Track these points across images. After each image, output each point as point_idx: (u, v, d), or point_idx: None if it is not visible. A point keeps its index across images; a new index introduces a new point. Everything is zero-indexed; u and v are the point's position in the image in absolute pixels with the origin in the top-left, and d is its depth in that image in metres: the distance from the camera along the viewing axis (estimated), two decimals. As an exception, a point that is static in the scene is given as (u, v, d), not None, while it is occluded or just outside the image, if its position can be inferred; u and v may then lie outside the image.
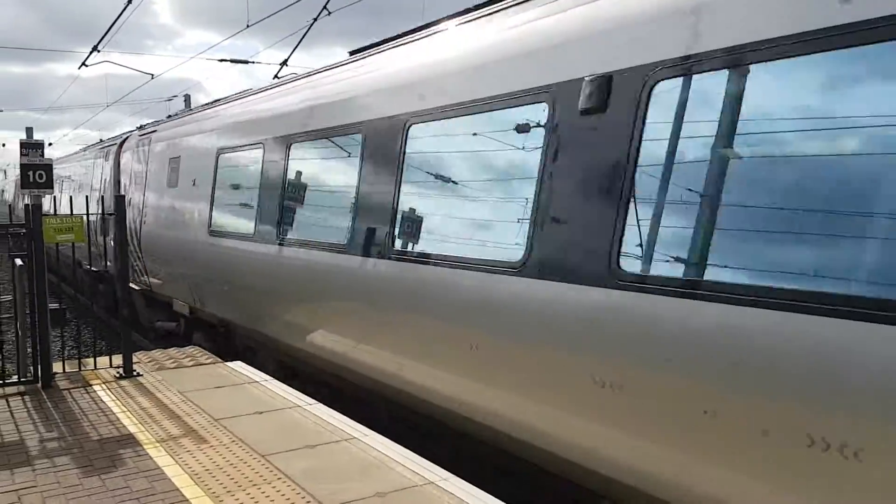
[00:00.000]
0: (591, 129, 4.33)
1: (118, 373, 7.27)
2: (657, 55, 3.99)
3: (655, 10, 4.08)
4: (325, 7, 16.12)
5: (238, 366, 7.62)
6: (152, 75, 17.78)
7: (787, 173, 3.40)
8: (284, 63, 17.25)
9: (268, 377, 7.13)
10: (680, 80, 3.88)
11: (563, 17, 4.78)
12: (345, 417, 5.85)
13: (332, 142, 7.12)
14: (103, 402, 6.40)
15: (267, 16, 12.91)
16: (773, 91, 3.54)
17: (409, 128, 5.95)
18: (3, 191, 61.66)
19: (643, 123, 4.02)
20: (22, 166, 7.21)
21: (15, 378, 7.02)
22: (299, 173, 7.74)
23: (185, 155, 11.35)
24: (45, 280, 6.87)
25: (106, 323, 16.04)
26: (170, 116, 15.39)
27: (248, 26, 13.54)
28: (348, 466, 4.81)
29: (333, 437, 5.36)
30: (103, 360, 7.64)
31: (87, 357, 8.32)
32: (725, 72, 3.68)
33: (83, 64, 15.48)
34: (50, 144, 47.21)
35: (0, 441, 5.37)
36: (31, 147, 9.72)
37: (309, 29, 16.85)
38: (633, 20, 4.20)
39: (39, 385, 6.86)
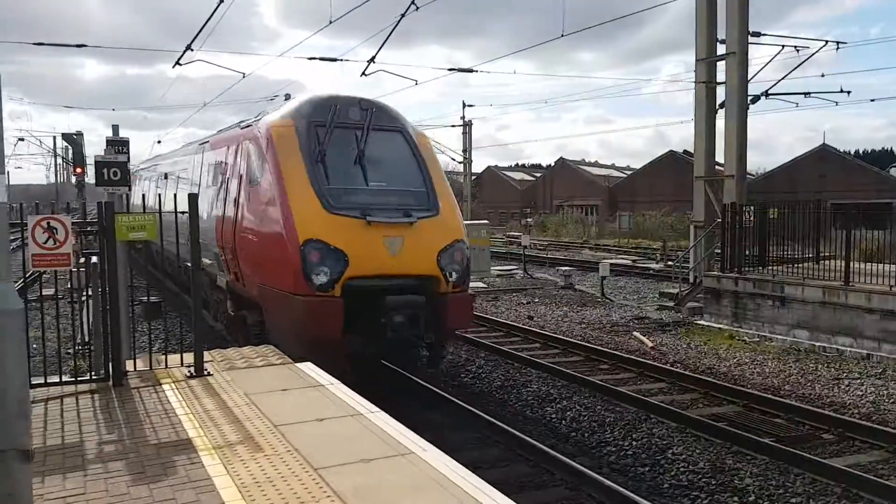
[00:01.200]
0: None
1: (189, 372, 7.22)
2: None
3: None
4: (412, 3, 15.88)
5: (307, 367, 7.44)
6: (243, 74, 18.08)
7: None
8: (371, 60, 17.17)
9: (334, 380, 6.91)
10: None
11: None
12: (405, 428, 5.53)
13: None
14: (169, 402, 6.33)
15: (349, 10, 12.75)
16: None
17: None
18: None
19: None
20: (96, 163, 7.25)
21: (89, 376, 7.07)
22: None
23: None
24: (116, 277, 6.88)
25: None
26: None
27: (330, 23, 13.47)
28: (402, 485, 4.47)
29: (390, 451, 5.04)
30: (177, 359, 7.63)
31: (175, 353, 8.30)
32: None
33: (177, 63, 15.85)
34: (159, 142, 49.57)
35: (61, 442, 5.34)
36: (116, 144, 9.92)
37: (396, 25, 16.65)
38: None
39: (111, 383, 6.88)
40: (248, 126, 11.14)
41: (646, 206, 53.90)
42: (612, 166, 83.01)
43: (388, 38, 16.29)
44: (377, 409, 6.03)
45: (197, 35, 15.82)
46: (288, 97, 23.31)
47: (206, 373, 7.22)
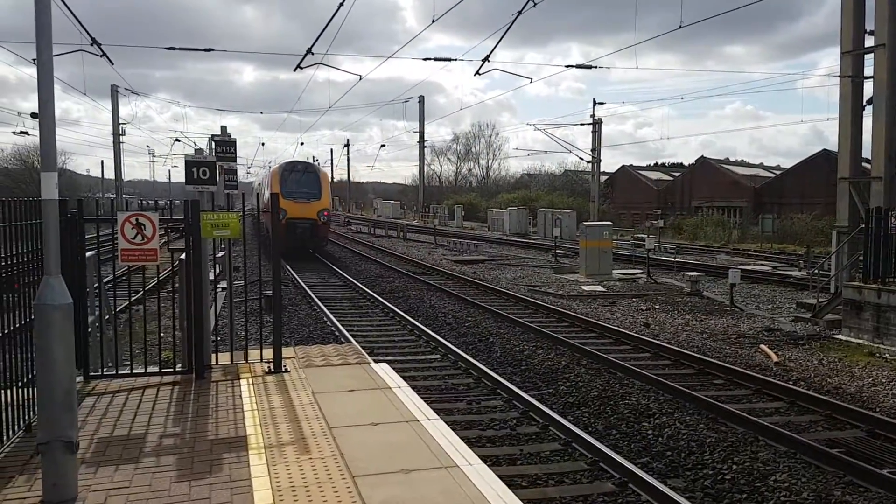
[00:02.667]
0: None
1: (268, 367, 7.34)
2: None
3: None
4: (530, -2, 15.54)
5: (381, 368, 7.37)
6: (360, 76, 18.47)
7: None
8: (486, 59, 17.00)
9: (403, 383, 6.80)
10: None
11: None
12: (457, 439, 5.30)
13: None
14: (240, 398, 6.44)
15: (451, 7, 12.62)
16: None
17: None
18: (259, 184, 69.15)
19: None
20: (186, 163, 7.52)
21: (178, 368, 7.34)
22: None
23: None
24: (201, 273, 7.09)
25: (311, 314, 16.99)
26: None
27: (433, 21, 13.40)
28: (436, 501, 4.25)
29: (434, 463, 4.83)
30: (265, 354, 7.78)
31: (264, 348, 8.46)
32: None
33: (298, 66, 16.38)
34: (302, 144, 52.48)
35: (127, 433, 5.54)
36: (223, 144, 10.31)
37: (511, 24, 16.38)
38: None
39: (193, 376, 7.10)
40: (271, 167, 37.81)
41: (794, 208, 50.30)
42: (760, 166, 78.28)
43: (502, 37, 16.09)
44: (435, 416, 5.84)
45: (317, 39, 16.35)
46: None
47: (284, 369, 7.31)
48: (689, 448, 8.18)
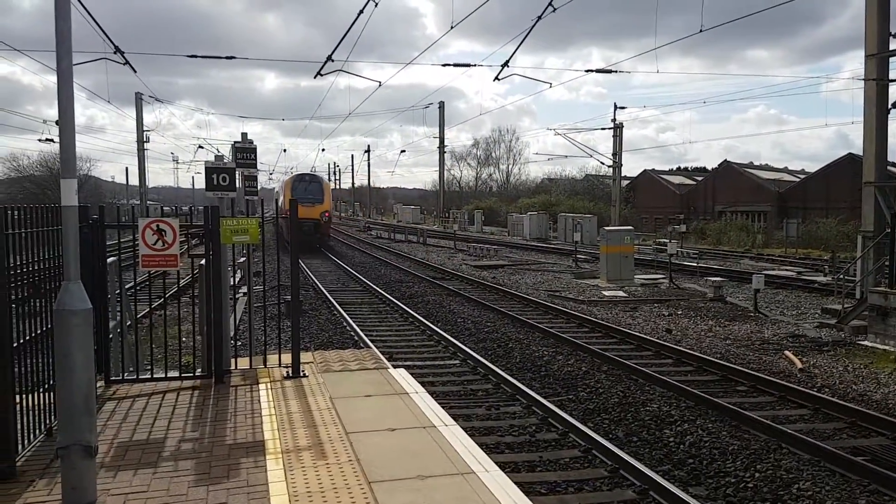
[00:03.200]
0: None
1: (286, 372, 7.36)
2: None
3: None
4: (550, 4, 15.52)
5: (399, 374, 7.36)
6: (380, 83, 18.54)
7: None
8: (505, 65, 16.99)
9: (421, 389, 6.78)
10: None
11: None
12: (473, 445, 5.27)
13: None
14: (258, 402, 6.46)
15: (470, 13, 12.61)
16: None
17: None
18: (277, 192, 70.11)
19: None
20: (206, 169, 7.57)
21: (197, 372, 7.38)
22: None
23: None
24: (220, 278, 7.13)
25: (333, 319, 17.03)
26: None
27: (451, 28, 13.40)
28: (451, 508, 4.22)
29: (450, 469, 4.81)
30: (283, 359, 7.80)
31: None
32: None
33: (318, 73, 16.48)
34: (323, 150, 53.31)
35: (146, 438, 5.57)
36: (244, 151, 10.37)
37: (531, 29, 16.37)
38: None
39: (213, 381, 7.13)
40: (286, 178, 46.74)
41: (819, 213, 49.68)
42: (784, 170, 77.39)
43: (521, 42, 16.09)
44: (453, 422, 5.81)
45: (337, 46, 16.36)
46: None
47: (302, 374, 7.32)
48: (711, 456, 8.08)
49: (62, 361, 4.34)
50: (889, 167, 17.95)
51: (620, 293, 21.77)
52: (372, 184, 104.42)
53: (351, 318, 16.38)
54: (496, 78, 16.31)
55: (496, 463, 5.84)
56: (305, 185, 38.39)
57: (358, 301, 19.91)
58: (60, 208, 4.40)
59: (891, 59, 17.05)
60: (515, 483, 5.55)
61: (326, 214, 38.35)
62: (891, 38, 16.85)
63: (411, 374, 7.86)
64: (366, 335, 14.29)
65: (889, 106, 17.03)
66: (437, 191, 71.84)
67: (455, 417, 8.27)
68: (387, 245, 44.00)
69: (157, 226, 6.78)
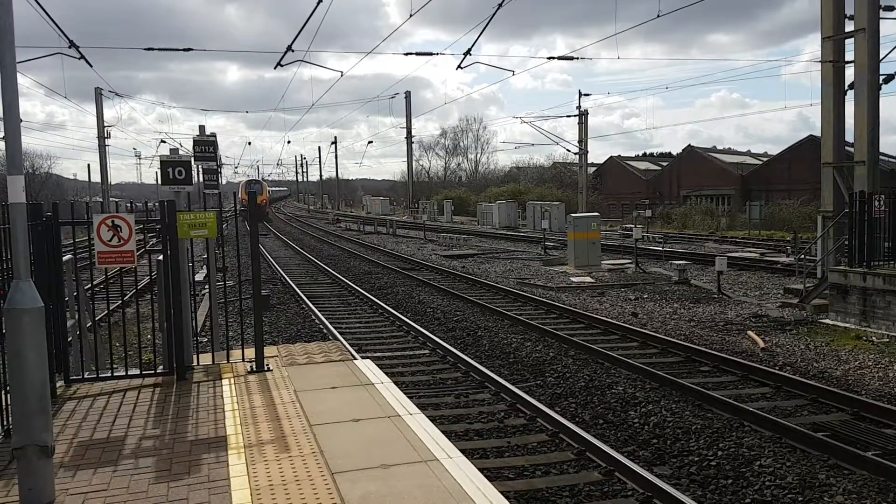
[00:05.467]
0: None
1: (250, 367, 7.31)
2: None
3: None
4: (511, -13, 15.45)
5: (365, 365, 7.35)
6: (342, 73, 18.41)
7: None
8: (467, 53, 16.96)
9: (386, 379, 6.78)
10: None
11: None
12: (438, 433, 5.29)
13: None
14: (221, 398, 6.41)
15: (427, 1, 12.57)
16: None
17: None
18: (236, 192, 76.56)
19: None
20: (161, 163, 7.46)
21: (159, 369, 7.29)
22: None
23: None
24: (179, 273, 7.05)
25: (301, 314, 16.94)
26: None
27: (410, 16, 13.36)
28: (412, 496, 4.24)
29: (414, 457, 4.82)
30: (241, 353, 7.75)
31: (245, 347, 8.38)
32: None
33: (279, 64, 16.30)
34: (289, 142, 55.07)
35: (106, 436, 5.50)
36: (203, 144, 10.24)
37: (492, 16, 16.34)
38: None
39: (174, 377, 7.06)
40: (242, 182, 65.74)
41: (783, 195, 50.51)
42: (748, 153, 78.56)
43: (483, 30, 16.05)
44: (418, 411, 5.83)
45: (297, 36, 16.21)
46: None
47: (266, 368, 7.28)
48: (674, 435, 8.20)
49: (14, 361, 4.26)
50: (847, 148, 18.29)
51: (588, 279, 21.96)
52: (340, 175, 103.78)
53: (320, 311, 16.31)
54: (459, 66, 16.29)
55: (465, 450, 5.89)
56: (252, 185, 59.00)
57: (327, 294, 19.83)
58: (7, 206, 4.31)
59: (846, 42, 17.32)
60: (484, 469, 5.60)
61: (265, 202, 63.80)
62: (846, 20, 17.12)
63: (380, 365, 7.87)
64: (335, 328, 14.24)
65: (846, 88, 17.33)
66: (407, 181, 71.66)
67: (424, 406, 8.31)
68: (356, 237, 43.83)
69: (113, 222, 6.68)
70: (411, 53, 18.14)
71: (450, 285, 20.84)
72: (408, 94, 63.18)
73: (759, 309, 16.86)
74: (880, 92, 16.57)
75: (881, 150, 17.95)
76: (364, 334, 14.11)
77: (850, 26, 16.90)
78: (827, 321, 15.09)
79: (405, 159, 68.48)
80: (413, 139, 65.61)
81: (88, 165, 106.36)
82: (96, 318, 8.28)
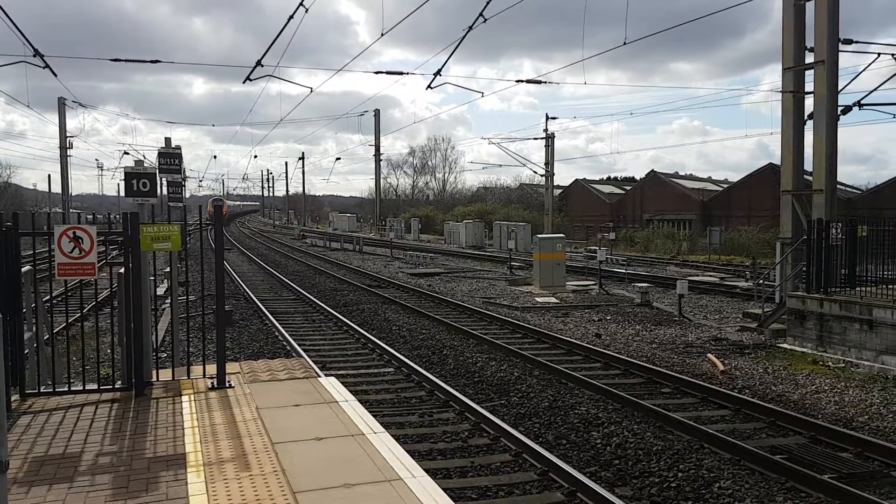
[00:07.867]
0: None
1: (211, 384, 7.20)
2: None
3: None
4: (480, 15, 15.68)
5: (328, 382, 7.29)
6: (311, 89, 18.39)
7: None
8: (437, 73, 17.08)
9: (351, 397, 6.73)
10: None
11: None
12: (402, 451, 5.26)
13: None
14: (180, 415, 6.30)
15: (399, 21, 12.64)
16: None
17: None
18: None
19: None
20: (126, 175, 7.36)
21: (117, 384, 7.14)
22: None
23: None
24: (140, 287, 6.94)
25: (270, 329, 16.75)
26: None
27: (382, 35, 13.44)
28: (376, 515, 4.20)
29: (378, 476, 4.79)
30: (209, 369, 7.62)
31: (208, 363, 8.30)
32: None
33: (248, 78, 16.24)
34: (255, 157, 54.04)
35: (62, 452, 5.36)
36: (168, 157, 10.12)
37: (462, 39, 16.52)
38: None
39: (133, 393, 6.92)
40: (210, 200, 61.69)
41: (742, 220, 51.53)
42: (709, 179, 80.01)
43: (453, 52, 16.21)
44: (382, 429, 5.79)
45: (267, 51, 16.17)
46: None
47: (228, 385, 7.18)
48: (636, 456, 8.26)
49: (-32, 374, 4.14)
50: (805, 176, 18.77)
51: (553, 299, 22.10)
52: (307, 191, 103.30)
53: (283, 327, 16.15)
54: (429, 86, 16.47)
55: (429, 470, 5.85)
56: (217, 202, 57.84)
57: (291, 310, 19.65)
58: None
59: (806, 73, 17.83)
60: (448, 489, 5.57)
61: (225, 212, 61.52)
62: (806, 52, 17.64)
63: (344, 382, 7.79)
64: (298, 345, 14.11)
65: (805, 117, 17.82)
66: (374, 199, 71.55)
67: (388, 425, 8.24)
68: (322, 253, 43.57)
69: (74, 233, 6.56)
70: (381, 72, 18.32)
71: (416, 303, 20.81)
72: (377, 112, 63.33)
73: (719, 332, 17.13)
74: (838, 123, 17.07)
75: (839, 179, 18.47)
76: (328, 352, 14.00)
77: (810, 58, 17.42)
78: (785, 345, 15.38)
79: (373, 176, 68.49)
80: (381, 157, 65.67)
81: (49, 176, 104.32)
82: (54, 331, 8.10)
